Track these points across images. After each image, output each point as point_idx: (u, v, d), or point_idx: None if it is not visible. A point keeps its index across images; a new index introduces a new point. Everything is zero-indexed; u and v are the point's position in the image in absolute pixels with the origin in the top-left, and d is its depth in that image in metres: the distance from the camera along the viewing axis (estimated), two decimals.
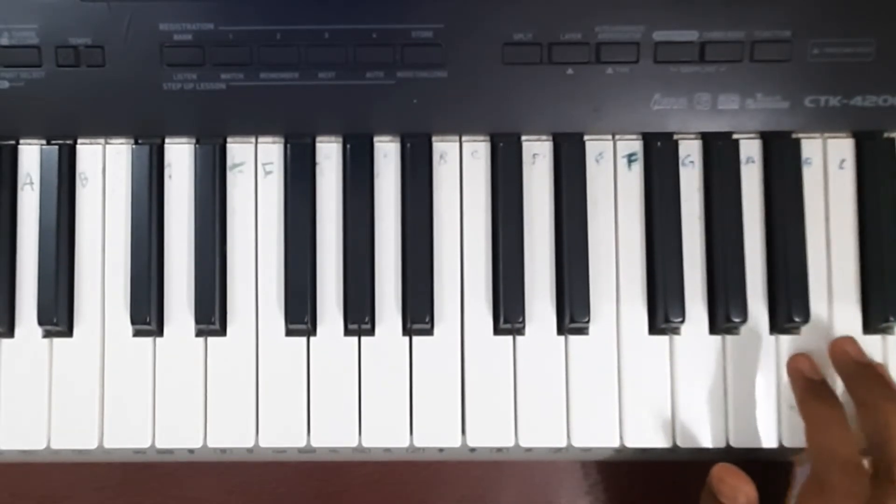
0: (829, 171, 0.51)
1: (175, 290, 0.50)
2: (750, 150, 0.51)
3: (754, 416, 0.49)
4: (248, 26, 0.49)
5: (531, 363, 0.49)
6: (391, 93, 0.49)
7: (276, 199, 0.50)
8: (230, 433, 0.49)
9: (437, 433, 0.49)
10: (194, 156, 0.50)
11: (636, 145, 0.51)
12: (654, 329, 0.50)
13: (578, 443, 0.49)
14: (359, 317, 0.49)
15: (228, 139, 0.51)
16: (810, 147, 0.51)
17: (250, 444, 0.49)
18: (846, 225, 0.50)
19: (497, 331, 0.50)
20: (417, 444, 0.49)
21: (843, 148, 0.51)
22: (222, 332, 0.50)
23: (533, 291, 0.50)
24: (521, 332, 0.50)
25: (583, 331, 0.50)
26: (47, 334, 0.50)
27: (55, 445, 0.49)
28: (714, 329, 0.50)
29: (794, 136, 0.50)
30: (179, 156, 0.50)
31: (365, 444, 0.49)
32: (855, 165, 0.51)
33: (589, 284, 0.49)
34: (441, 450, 0.50)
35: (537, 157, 0.51)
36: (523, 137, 0.50)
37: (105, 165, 0.51)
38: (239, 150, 0.51)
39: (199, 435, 0.49)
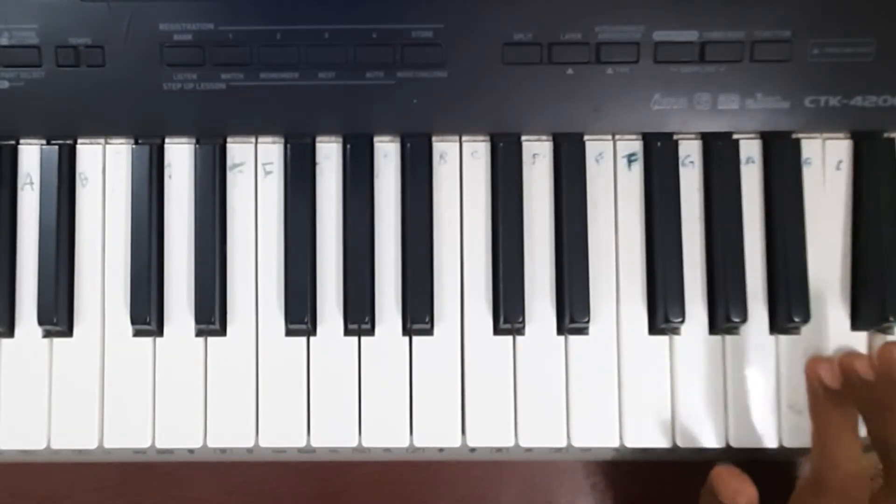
0: (829, 170, 0.51)
1: (175, 290, 0.50)
2: (750, 150, 0.51)
3: (754, 416, 0.49)
4: (248, 26, 0.49)
5: (531, 363, 0.49)
6: (391, 93, 0.49)
7: (276, 199, 0.50)
8: (230, 433, 0.49)
9: (437, 433, 0.49)
10: (194, 156, 0.50)
11: (636, 145, 0.51)
12: (653, 329, 0.50)
13: (578, 443, 0.49)
14: (359, 317, 0.49)
15: (228, 139, 0.51)
16: (810, 147, 0.51)
17: (250, 444, 0.49)
18: (846, 225, 0.50)
19: (497, 331, 0.50)
20: (417, 444, 0.49)
21: (843, 148, 0.51)
22: (222, 332, 0.50)
23: (533, 291, 0.50)
24: (521, 332, 0.50)
25: (583, 331, 0.50)
26: (47, 334, 0.50)
27: (55, 445, 0.49)
28: (714, 329, 0.50)
29: (794, 136, 0.50)
30: (179, 156, 0.50)
31: (365, 444, 0.49)
32: (855, 166, 0.51)
33: (589, 284, 0.49)
34: (441, 450, 0.50)
35: (537, 157, 0.51)
36: (523, 137, 0.50)
37: (105, 165, 0.51)
38: (239, 150, 0.51)
39: (199, 435, 0.49)
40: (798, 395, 0.49)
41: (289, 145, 0.50)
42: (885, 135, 0.50)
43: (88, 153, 0.51)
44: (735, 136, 0.51)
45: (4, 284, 0.49)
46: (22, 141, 0.51)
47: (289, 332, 0.50)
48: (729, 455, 0.49)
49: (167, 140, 0.51)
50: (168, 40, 0.49)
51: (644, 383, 0.49)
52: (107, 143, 0.51)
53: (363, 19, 0.49)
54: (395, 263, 0.50)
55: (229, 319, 0.50)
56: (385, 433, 0.49)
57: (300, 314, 0.49)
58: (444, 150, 0.50)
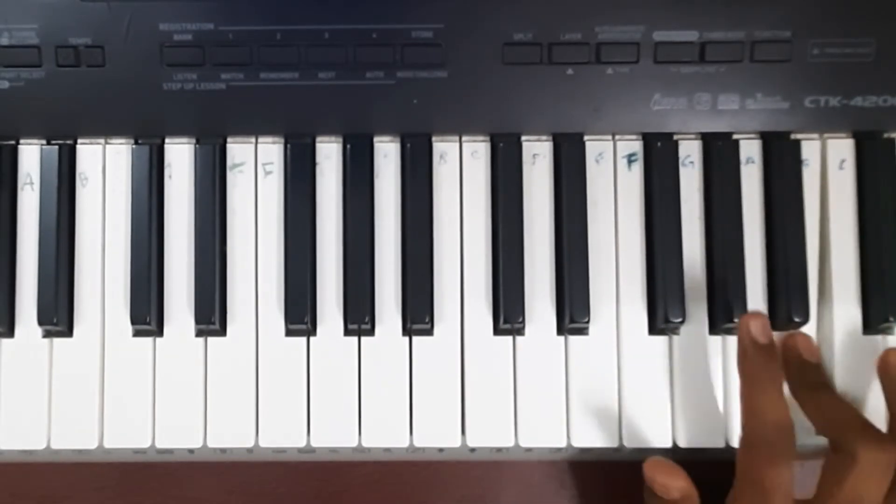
0: (829, 171, 0.51)
1: (175, 290, 0.50)
2: (750, 151, 0.51)
3: None
4: (248, 26, 0.49)
5: (531, 363, 0.49)
6: (391, 93, 0.49)
7: (276, 199, 0.50)
8: (230, 433, 0.49)
9: (437, 433, 0.49)
10: (194, 156, 0.50)
11: (636, 145, 0.51)
12: (653, 329, 0.50)
13: (578, 443, 0.49)
14: (359, 317, 0.49)
15: (228, 139, 0.51)
16: (810, 147, 0.51)
17: (250, 444, 0.49)
18: (846, 225, 0.50)
19: (497, 331, 0.50)
20: (417, 444, 0.49)
21: (843, 148, 0.51)
22: (222, 332, 0.50)
23: (533, 291, 0.50)
24: (521, 332, 0.50)
25: (583, 331, 0.50)
26: (47, 334, 0.50)
27: (55, 445, 0.49)
28: (714, 329, 0.50)
29: (793, 136, 0.50)
30: (179, 156, 0.50)
31: (365, 444, 0.49)
32: (855, 166, 0.51)
33: (589, 284, 0.49)
34: (441, 450, 0.50)
35: (537, 157, 0.51)
36: (523, 137, 0.50)
37: (105, 165, 0.51)
38: (239, 150, 0.51)
39: (199, 435, 0.49)
40: None
41: (289, 145, 0.50)
42: (886, 135, 0.50)
43: (88, 153, 0.51)
44: (735, 137, 0.51)
45: (4, 284, 0.49)
46: (22, 141, 0.51)
47: (289, 332, 0.50)
48: (728, 455, 0.49)
49: (167, 140, 0.51)
50: (168, 40, 0.49)
51: (644, 383, 0.49)
52: (107, 143, 0.51)
53: (363, 19, 0.49)
54: (395, 263, 0.50)
55: (229, 319, 0.50)
56: (385, 433, 0.49)
57: (300, 314, 0.49)
58: (444, 150, 0.50)
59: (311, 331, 0.49)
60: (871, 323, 0.50)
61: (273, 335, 0.50)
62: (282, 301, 0.49)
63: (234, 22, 0.49)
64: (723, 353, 0.50)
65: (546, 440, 0.49)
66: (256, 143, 0.51)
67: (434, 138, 0.50)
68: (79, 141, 0.51)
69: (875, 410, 0.49)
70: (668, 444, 0.49)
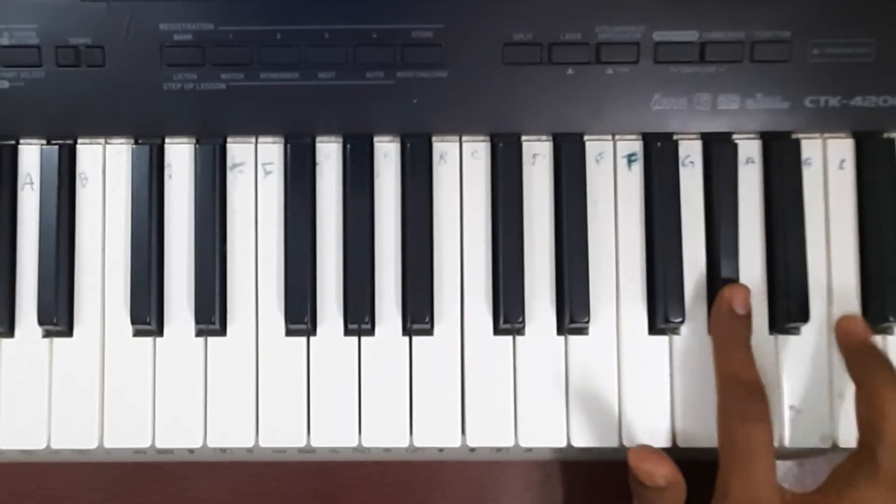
0: (829, 171, 0.51)
1: (175, 290, 0.50)
2: (750, 151, 0.51)
3: None
4: (248, 26, 0.49)
5: (531, 363, 0.49)
6: (391, 93, 0.49)
7: (276, 199, 0.50)
8: (230, 433, 0.49)
9: (437, 433, 0.49)
10: (194, 156, 0.50)
11: (636, 145, 0.51)
12: (653, 329, 0.50)
13: (578, 443, 0.49)
14: (359, 317, 0.49)
15: (228, 139, 0.51)
16: (810, 147, 0.51)
17: (250, 444, 0.49)
18: (846, 225, 0.50)
19: (497, 331, 0.50)
20: (417, 444, 0.49)
21: (843, 148, 0.51)
22: (222, 332, 0.50)
23: (533, 291, 0.50)
24: (521, 332, 0.50)
25: (583, 331, 0.50)
26: (47, 334, 0.50)
27: (55, 445, 0.49)
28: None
29: (794, 136, 0.50)
30: (179, 156, 0.50)
31: (365, 444, 0.49)
32: (855, 166, 0.51)
33: (589, 284, 0.49)
34: (441, 450, 0.50)
35: (537, 157, 0.51)
36: (523, 137, 0.50)
37: (105, 165, 0.51)
38: (239, 150, 0.51)
39: (199, 435, 0.49)
40: (798, 395, 0.49)
41: (289, 145, 0.50)
42: (886, 135, 0.50)
43: (88, 153, 0.51)
44: (735, 137, 0.51)
45: (4, 284, 0.49)
46: (22, 141, 0.51)
47: (289, 332, 0.50)
48: None
49: (167, 140, 0.51)
50: (168, 40, 0.49)
51: (644, 383, 0.49)
52: (107, 143, 0.51)
53: (363, 19, 0.49)
54: (395, 263, 0.50)
55: (229, 319, 0.50)
56: (385, 433, 0.49)
57: (300, 314, 0.49)
58: (444, 150, 0.50)
59: (311, 331, 0.49)
60: (871, 323, 0.49)
61: (273, 335, 0.50)
62: (282, 301, 0.49)
63: (234, 22, 0.49)
64: None
65: (546, 440, 0.49)
66: (256, 143, 0.51)
67: (434, 138, 0.50)
68: (79, 141, 0.51)
69: None
70: (668, 444, 0.49)
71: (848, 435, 0.49)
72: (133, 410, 0.49)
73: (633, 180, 0.51)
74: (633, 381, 0.49)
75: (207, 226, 0.50)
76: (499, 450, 0.50)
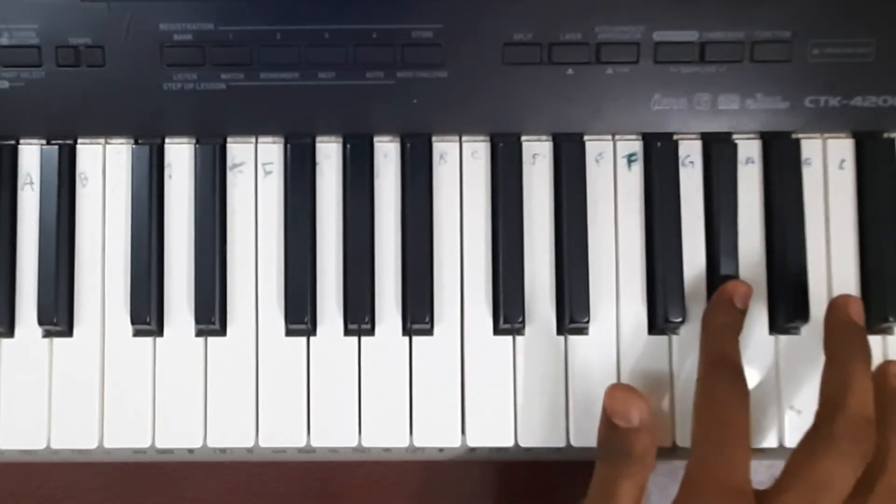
0: (829, 171, 0.51)
1: (175, 290, 0.50)
2: (750, 151, 0.51)
3: (754, 415, 0.49)
4: (248, 26, 0.49)
5: (531, 363, 0.49)
6: (391, 93, 0.49)
7: (276, 199, 0.50)
8: (230, 433, 0.49)
9: (437, 433, 0.49)
10: (194, 156, 0.50)
11: (636, 145, 0.51)
12: (653, 329, 0.50)
13: (578, 443, 0.49)
14: (359, 317, 0.49)
15: (228, 139, 0.51)
16: (810, 147, 0.51)
17: (250, 444, 0.49)
18: (846, 225, 0.50)
19: (497, 331, 0.50)
20: (417, 444, 0.49)
21: (843, 148, 0.51)
22: (222, 332, 0.50)
23: (533, 291, 0.50)
24: (521, 332, 0.50)
25: (583, 331, 0.50)
26: (47, 334, 0.50)
27: (55, 445, 0.49)
28: None
29: (794, 136, 0.50)
30: (179, 156, 0.50)
31: (365, 444, 0.49)
32: (855, 166, 0.51)
33: (589, 284, 0.49)
34: (441, 450, 0.50)
35: (537, 157, 0.51)
36: (523, 137, 0.50)
37: (105, 165, 0.51)
38: (239, 150, 0.51)
39: (199, 435, 0.49)
40: (798, 395, 0.49)
41: (289, 145, 0.50)
42: (886, 135, 0.50)
43: (88, 153, 0.51)
44: (735, 137, 0.51)
45: (4, 284, 0.49)
46: (22, 141, 0.51)
47: (289, 332, 0.50)
48: None
49: (167, 140, 0.51)
50: (168, 40, 0.49)
51: (644, 383, 0.49)
52: (107, 143, 0.51)
53: (363, 19, 0.49)
54: (395, 263, 0.50)
55: (229, 319, 0.50)
56: (385, 433, 0.49)
57: (300, 314, 0.49)
58: (444, 150, 0.50)
59: (311, 331, 0.49)
60: (871, 323, 0.49)
61: (273, 335, 0.50)
62: (282, 301, 0.49)
63: (234, 22, 0.49)
64: None
65: (546, 440, 0.49)
66: (256, 143, 0.51)
67: (434, 138, 0.50)
68: (79, 141, 0.51)
69: None
70: (668, 444, 0.49)
71: None
72: (133, 410, 0.49)
73: (633, 180, 0.51)
74: (633, 381, 0.49)
75: (207, 226, 0.50)
76: (499, 450, 0.50)
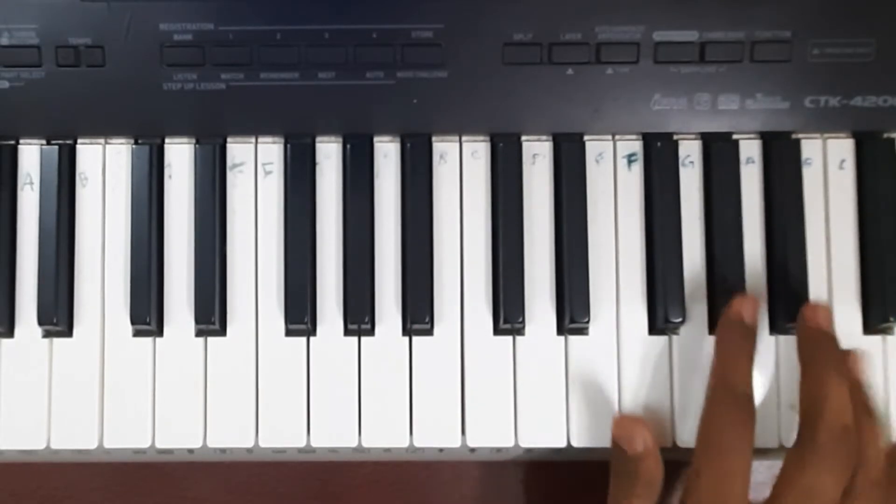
0: (829, 171, 0.51)
1: (175, 290, 0.50)
2: (750, 151, 0.51)
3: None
4: (248, 26, 0.49)
5: (531, 363, 0.49)
6: (391, 93, 0.49)
7: (276, 199, 0.50)
8: (230, 433, 0.49)
9: (437, 433, 0.49)
10: (194, 156, 0.50)
11: (636, 145, 0.51)
12: (653, 329, 0.50)
13: (578, 443, 0.49)
14: (359, 317, 0.49)
15: (228, 139, 0.51)
16: (810, 147, 0.51)
17: (250, 444, 0.49)
18: (846, 225, 0.50)
19: (497, 331, 0.50)
20: (417, 444, 0.49)
21: (843, 148, 0.51)
22: (222, 332, 0.50)
23: (533, 291, 0.50)
24: (521, 332, 0.50)
25: (583, 331, 0.50)
26: (47, 334, 0.50)
27: (55, 445, 0.49)
28: (714, 329, 0.50)
29: (794, 136, 0.50)
30: (179, 156, 0.51)
31: (365, 444, 0.49)
32: (855, 166, 0.51)
33: (589, 284, 0.49)
34: (441, 450, 0.50)
35: (537, 157, 0.51)
36: (523, 137, 0.50)
37: (105, 165, 0.51)
38: (239, 150, 0.51)
39: (199, 435, 0.49)
40: (797, 394, 0.49)
41: (289, 145, 0.50)
42: (886, 135, 0.50)
43: (88, 153, 0.51)
44: (735, 137, 0.51)
45: (4, 284, 0.49)
46: (22, 141, 0.51)
47: (289, 332, 0.50)
48: None
49: (167, 140, 0.51)
50: (168, 40, 0.49)
51: (644, 383, 0.49)
52: (107, 143, 0.51)
53: (363, 19, 0.49)
54: (395, 263, 0.50)
55: (229, 319, 0.50)
56: (385, 433, 0.49)
57: (300, 314, 0.49)
58: (444, 150, 0.50)
59: (311, 331, 0.49)
60: (871, 323, 0.50)
61: (273, 335, 0.50)
62: (282, 301, 0.49)
63: (234, 22, 0.49)
64: None
65: (546, 440, 0.49)
66: (256, 143, 0.51)
67: (434, 138, 0.50)
68: (79, 141, 0.51)
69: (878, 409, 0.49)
70: (668, 444, 0.49)
71: None
72: (133, 410, 0.49)
73: (633, 180, 0.51)
74: (633, 381, 0.49)
75: (207, 226, 0.50)
76: (499, 450, 0.50)
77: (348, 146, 0.50)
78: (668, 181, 0.50)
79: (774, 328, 0.50)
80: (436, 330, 0.50)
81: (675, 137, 0.50)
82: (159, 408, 0.49)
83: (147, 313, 0.49)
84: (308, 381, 0.49)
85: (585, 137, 0.50)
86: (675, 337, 0.50)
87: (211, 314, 0.49)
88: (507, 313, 0.49)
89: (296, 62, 0.49)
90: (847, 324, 0.50)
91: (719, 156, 0.50)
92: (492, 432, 0.49)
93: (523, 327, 0.49)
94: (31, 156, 0.50)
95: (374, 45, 0.49)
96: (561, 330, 0.50)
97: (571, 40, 0.49)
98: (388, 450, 0.50)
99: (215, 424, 0.49)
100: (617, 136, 0.51)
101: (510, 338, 0.50)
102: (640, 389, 0.49)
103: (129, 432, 0.49)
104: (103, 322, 0.50)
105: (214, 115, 0.50)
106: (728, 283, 0.49)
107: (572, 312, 0.49)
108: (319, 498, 0.55)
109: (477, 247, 0.50)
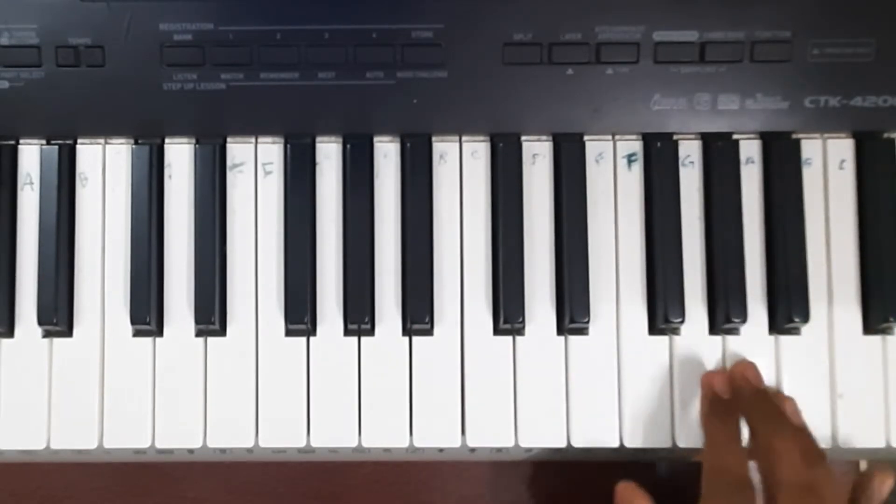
0: (829, 171, 0.51)
1: (175, 290, 0.50)
2: (750, 151, 0.51)
3: None
4: (248, 26, 0.49)
5: (531, 363, 0.49)
6: (391, 93, 0.49)
7: (276, 199, 0.50)
8: (230, 433, 0.49)
9: (437, 433, 0.49)
10: (194, 156, 0.50)
11: (636, 145, 0.51)
12: (653, 329, 0.50)
13: (578, 443, 0.49)
14: (359, 317, 0.49)
15: (228, 139, 0.51)
16: (810, 147, 0.51)
17: (250, 444, 0.49)
18: (846, 225, 0.50)
19: (497, 331, 0.50)
20: (417, 444, 0.49)
21: (843, 148, 0.51)
22: (222, 332, 0.50)
23: (533, 291, 0.50)
24: (520, 332, 0.50)
25: (583, 331, 0.50)
26: (47, 334, 0.50)
27: (55, 445, 0.49)
28: (714, 329, 0.50)
29: (794, 136, 0.50)
30: (179, 156, 0.50)
31: (365, 444, 0.49)
32: (855, 166, 0.51)
33: (589, 284, 0.49)
34: (441, 450, 0.50)
35: (537, 157, 0.51)
36: (523, 137, 0.50)
37: (105, 165, 0.51)
38: (239, 150, 0.51)
39: (199, 435, 0.49)
40: (798, 395, 0.49)
41: (289, 145, 0.50)
42: (886, 135, 0.50)
43: (88, 153, 0.51)
44: (735, 137, 0.51)
45: (4, 284, 0.49)
46: (22, 141, 0.51)
47: (289, 332, 0.50)
48: None
49: (167, 140, 0.51)
50: (168, 40, 0.49)
51: (644, 383, 0.49)
52: (107, 143, 0.51)
53: (363, 19, 0.49)
54: (395, 263, 0.50)
55: (229, 319, 0.50)
56: (385, 433, 0.49)
57: (300, 314, 0.49)
58: (444, 150, 0.50)
59: (311, 331, 0.49)
60: (871, 323, 0.50)
61: (273, 335, 0.50)
62: (282, 301, 0.49)
63: (234, 22, 0.49)
64: (723, 353, 0.50)
65: (546, 440, 0.49)
66: (256, 143, 0.51)
67: (434, 138, 0.50)
68: (79, 141, 0.51)
69: (879, 413, 0.49)
70: (668, 444, 0.49)
71: (848, 434, 0.49)
72: (133, 410, 0.49)
73: (633, 180, 0.51)
74: (633, 381, 0.49)
75: (207, 226, 0.50)
76: (499, 450, 0.50)
77: (348, 146, 0.50)
78: (668, 181, 0.50)
79: (774, 328, 0.50)
80: (436, 330, 0.50)
81: (675, 137, 0.50)
82: (159, 408, 0.49)
83: (147, 313, 0.49)
84: (308, 381, 0.49)
85: (585, 137, 0.50)
86: (675, 337, 0.50)
87: (211, 314, 0.49)
88: (507, 313, 0.49)
89: (296, 62, 0.49)
90: (847, 324, 0.50)
91: (719, 156, 0.50)
92: (492, 432, 0.49)
93: (523, 327, 0.49)
94: (31, 156, 0.50)
95: (374, 45, 0.49)
96: (561, 330, 0.50)
97: (571, 40, 0.49)
98: (388, 450, 0.50)
99: (215, 424, 0.49)
100: (617, 136, 0.51)
101: (510, 338, 0.50)
102: (640, 389, 0.49)
103: (129, 432, 0.49)
104: (103, 322, 0.50)
105: (214, 115, 0.50)
106: (728, 284, 0.49)
107: (572, 312, 0.49)
108: (319, 498, 0.55)
109: (477, 247, 0.50)
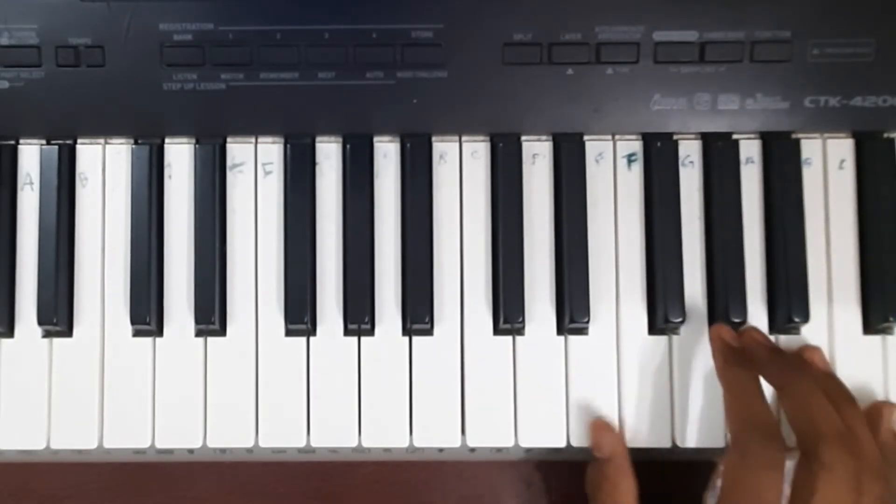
0: (829, 171, 0.51)
1: (175, 290, 0.50)
2: (750, 151, 0.51)
3: None
4: (248, 26, 0.49)
5: (531, 363, 0.49)
6: (391, 93, 0.49)
7: (276, 199, 0.50)
8: (230, 433, 0.49)
9: (437, 433, 0.49)
10: (194, 156, 0.50)
11: (636, 145, 0.51)
12: (653, 329, 0.50)
13: (578, 443, 0.49)
14: (359, 317, 0.49)
15: (228, 139, 0.51)
16: (810, 147, 0.51)
17: (250, 444, 0.49)
18: (846, 225, 0.50)
19: (497, 331, 0.50)
20: (417, 444, 0.49)
21: (843, 148, 0.51)
22: (222, 332, 0.50)
23: (533, 291, 0.50)
24: (520, 332, 0.50)
25: (582, 331, 0.50)
26: (47, 334, 0.50)
27: (55, 445, 0.49)
28: None
29: (793, 136, 0.50)
30: (179, 156, 0.51)
31: (365, 444, 0.49)
32: (855, 166, 0.51)
33: (589, 284, 0.49)
34: (441, 450, 0.50)
35: (537, 157, 0.51)
36: (523, 137, 0.50)
37: (105, 165, 0.51)
38: (239, 150, 0.51)
39: (199, 435, 0.49)
40: None
41: (289, 145, 0.50)
42: (886, 135, 0.50)
43: (88, 153, 0.51)
44: (735, 137, 0.51)
45: (4, 284, 0.49)
46: (22, 141, 0.51)
47: (289, 332, 0.50)
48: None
49: (167, 140, 0.51)
50: (168, 40, 0.49)
51: (644, 383, 0.49)
52: (107, 143, 0.51)
53: (363, 19, 0.49)
54: (395, 263, 0.50)
55: (229, 319, 0.50)
56: (385, 433, 0.49)
57: (300, 314, 0.49)
58: (444, 150, 0.50)
59: (310, 331, 0.49)
60: (871, 323, 0.50)
61: (273, 335, 0.50)
62: (282, 301, 0.49)
63: (234, 22, 0.49)
64: None
65: (546, 440, 0.49)
66: (256, 143, 0.51)
67: (434, 138, 0.50)
68: (79, 141, 0.51)
69: None
70: (668, 444, 0.49)
71: None
72: (133, 410, 0.49)
73: (633, 180, 0.51)
74: (633, 381, 0.49)
75: (207, 226, 0.50)
76: (499, 450, 0.50)
77: (348, 146, 0.50)
78: (668, 181, 0.50)
79: (774, 328, 0.50)
80: (436, 330, 0.50)
81: (675, 137, 0.50)
82: (159, 408, 0.49)
83: (147, 313, 0.49)
84: (308, 381, 0.49)
85: (585, 137, 0.50)
86: (675, 337, 0.50)
87: (211, 314, 0.49)
88: (507, 313, 0.49)
89: (296, 62, 0.49)
90: (847, 324, 0.50)
91: (719, 156, 0.50)
92: (492, 432, 0.49)
93: (523, 327, 0.49)
94: (31, 156, 0.51)
95: (374, 45, 0.49)
96: (561, 330, 0.50)
97: (571, 40, 0.49)
98: (388, 450, 0.50)
99: (215, 424, 0.49)
100: (617, 136, 0.51)
101: (510, 338, 0.50)
102: (640, 389, 0.49)
103: (129, 432, 0.49)
104: (103, 322, 0.50)
105: (214, 115, 0.50)
106: (728, 284, 0.49)
107: (572, 312, 0.49)
108: (319, 498, 0.55)
109: (477, 247, 0.50)
